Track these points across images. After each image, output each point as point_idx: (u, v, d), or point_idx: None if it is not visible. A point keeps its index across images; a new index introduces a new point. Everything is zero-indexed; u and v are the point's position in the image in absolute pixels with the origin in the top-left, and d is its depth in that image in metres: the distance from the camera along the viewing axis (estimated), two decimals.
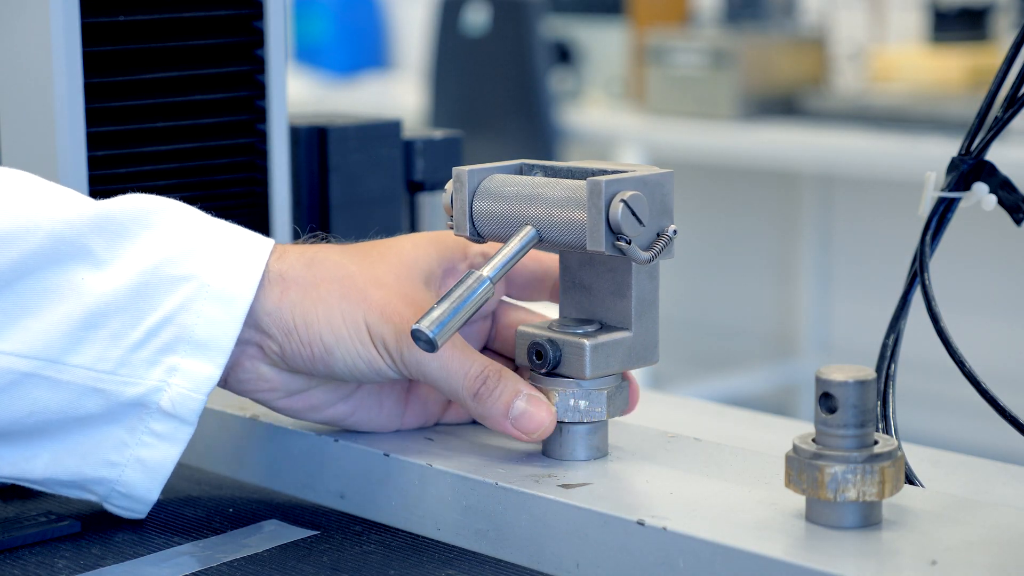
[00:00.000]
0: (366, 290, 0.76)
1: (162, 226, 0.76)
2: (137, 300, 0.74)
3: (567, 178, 0.77)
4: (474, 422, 0.83)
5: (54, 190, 0.76)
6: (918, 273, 0.79)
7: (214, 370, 0.75)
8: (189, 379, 0.74)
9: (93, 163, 0.89)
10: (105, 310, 0.74)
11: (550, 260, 0.83)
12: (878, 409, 0.78)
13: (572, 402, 0.76)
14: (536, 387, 0.76)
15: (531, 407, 0.75)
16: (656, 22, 3.65)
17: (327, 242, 0.81)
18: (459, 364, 0.75)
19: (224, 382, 0.78)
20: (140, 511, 0.78)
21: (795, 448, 0.66)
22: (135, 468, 0.76)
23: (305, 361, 0.76)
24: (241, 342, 0.76)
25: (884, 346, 0.80)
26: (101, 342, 0.74)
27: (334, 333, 0.75)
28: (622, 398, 0.77)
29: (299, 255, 0.77)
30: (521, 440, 0.76)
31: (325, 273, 0.77)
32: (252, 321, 0.76)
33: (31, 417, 0.74)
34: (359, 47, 4.92)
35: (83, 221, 0.75)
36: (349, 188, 1.02)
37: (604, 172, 0.75)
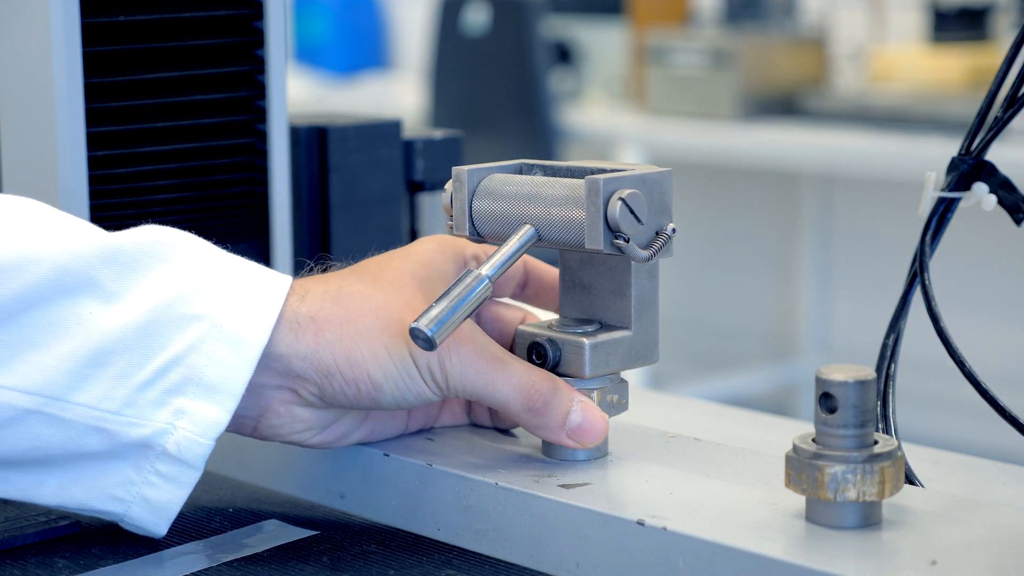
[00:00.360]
0: (403, 319, 0.74)
1: (175, 261, 0.74)
2: (145, 338, 0.72)
3: (566, 177, 0.77)
4: (472, 423, 0.83)
5: (62, 219, 0.74)
6: (918, 273, 0.79)
7: (223, 414, 0.72)
8: (196, 423, 0.72)
9: (93, 163, 0.89)
10: (112, 347, 0.71)
11: (520, 260, 0.82)
12: (878, 409, 0.78)
13: (608, 398, 0.76)
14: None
15: (587, 418, 0.74)
16: (656, 22, 3.65)
17: (333, 268, 0.79)
18: (506, 379, 0.74)
19: (253, 430, 0.76)
20: (154, 535, 0.76)
21: (795, 448, 0.66)
22: (141, 507, 0.74)
23: (349, 399, 0.74)
24: (272, 388, 0.74)
25: (884, 346, 0.80)
26: (107, 380, 0.71)
27: (381, 369, 0.73)
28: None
29: (322, 292, 0.75)
30: (576, 448, 0.76)
31: (357, 307, 0.74)
32: (283, 368, 0.73)
33: (33, 451, 0.72)
34: (359, 47, 4.92)
35: (91, 252, 0.72)
36: (349, 188, 1.02)
37: (603, 171, 0.75)
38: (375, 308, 0.74)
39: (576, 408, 0.74)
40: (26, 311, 0.71)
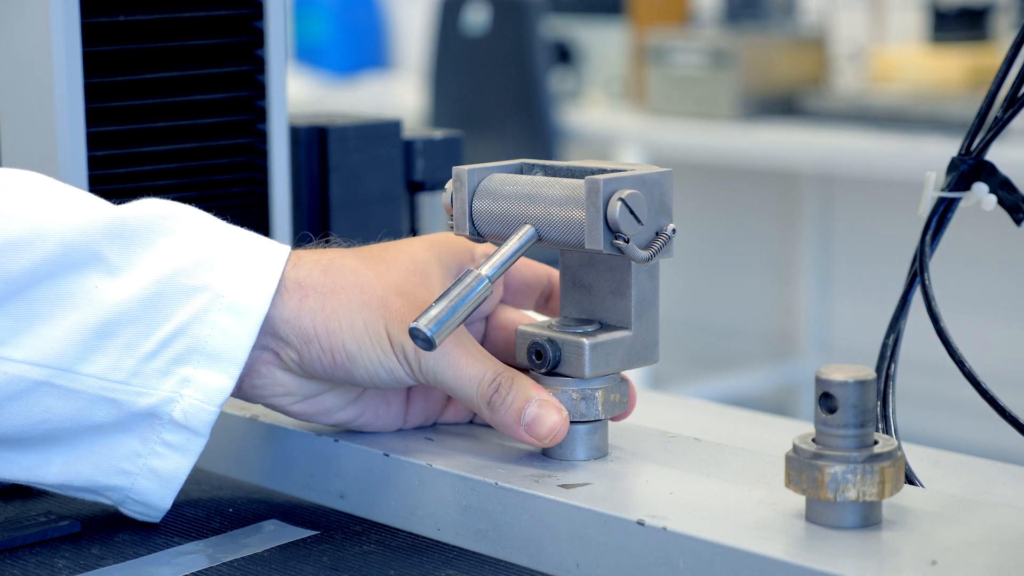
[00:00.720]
0: (386, 297, 0.76)
1: (177, 234, 0.75)
2: (150, 310, 0.73)
3: (567, 177, 0.77)
4: (472, 421, 0.83)
5: (67, 194, 0.76)
6: (918, 273, 0.79)
7: (227, 381, 0.74)
8: (201, 390, 0.74)
9: (93, 163, 0.89)
10: (118, 319, 0.73)
11: (543, 270, 0.83)
12: (878, 409, 0.78)
13: (611, 397, 0.76)
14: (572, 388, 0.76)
15: (542, 411, 0.74)
16: (656, 22, 3.65)
17: (337, 246, 0.81)
18: (473, 371, 0.75)
19: (238, 389, 0.78)
20: (155, 516, 0.78)
21: (795, 448, 0.66)
22: (147, 477, 0.75)
23: (325, 368, 0.76)
24: (257, 348, 0.76)
25: (884, 346, 0.80)
26: (114, 352, 0.73)
27: (356, 341, 0.75)
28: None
29: (315, 261, 0.77)
30: (536, 446, 0.76)
31: (343, 279, 0.76)
32: (269, 328, 0.75)
33: (43, 424, 0.74)
34: (359, 47, 4.92)
35: (96, 227, 0.74)
36: (349, 188, 1.02)
37: (603, 171, 0.75)
38: (360, 282, 0.76)
39: (533, 403, 0.74)
40: (34, 286, 0.73)
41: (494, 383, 0.75)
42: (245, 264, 0.75)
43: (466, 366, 0.75)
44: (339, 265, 0.77)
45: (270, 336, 0.76)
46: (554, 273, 0.84)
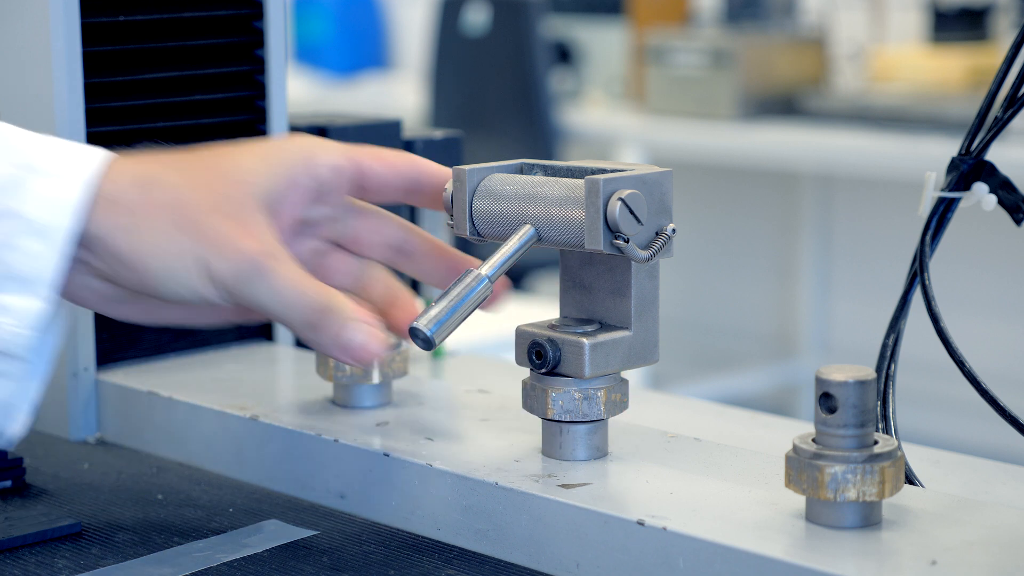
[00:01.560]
0: (202, 221, 0.74)
1: None
2: None
3: (567, 177, 0.77)
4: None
5: None
6: (918, 273, 0.79)
7: (40, 304, 0.73)
8: (15, 316, 0.72)
9: None
10: None
11: (404, 160, 0.80)
12: (878, 409, 0.78)
13: (613, 396, 0.76)
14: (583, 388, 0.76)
15: (362, 335, 0.73)
16: (656, 22, 3.65)
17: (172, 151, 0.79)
18: (296, 296, 0.74)
19: None
20: (9, 439, 0.75)
21: (795, 448, 0.67)
22: None
23: (132, 284, 0.75)
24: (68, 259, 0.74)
25: (884, 346, 0.80)
26: None
27: (165, 264, 0.74)
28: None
29: (133, 176, 0.75)
30: (357, 367, 0.75)
31: (159, 197, 0.74)
32: (82, 241, 0.74)
33: None
34: (359, 47, 4.92)
35: None
36: None
37: (603, 171, 0.75)
38: (175, 201, 0.74)
39: (355, 327, 0.73)
40: None
41: (316, 307, 0.74)
42: (52, 182, 0.73)
43: (288, 290, 0.74)
44: (159, 182, 0.75)
45: (82, 248, 0.74)
46: (422, 164, 0.80)
